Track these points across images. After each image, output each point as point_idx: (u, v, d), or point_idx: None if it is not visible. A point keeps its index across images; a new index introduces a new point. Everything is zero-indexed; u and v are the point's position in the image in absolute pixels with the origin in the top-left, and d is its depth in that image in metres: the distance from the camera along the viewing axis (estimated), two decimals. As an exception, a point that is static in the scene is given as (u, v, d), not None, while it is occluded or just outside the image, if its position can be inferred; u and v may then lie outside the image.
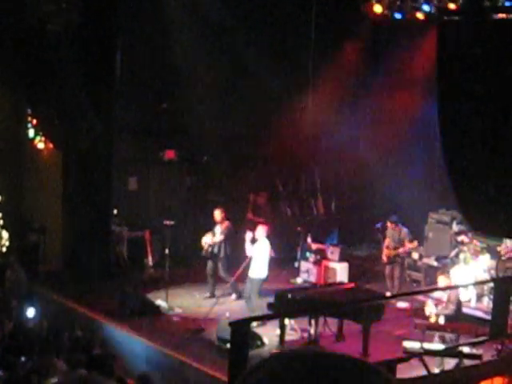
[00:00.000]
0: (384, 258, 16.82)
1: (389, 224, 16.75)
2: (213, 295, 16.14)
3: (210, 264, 16.25)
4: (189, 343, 14.13)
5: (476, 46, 15.28)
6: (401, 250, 16.56)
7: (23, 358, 11.38)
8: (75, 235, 17.57)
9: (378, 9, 18.14)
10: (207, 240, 16.12)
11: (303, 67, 19.42)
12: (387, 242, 16.73)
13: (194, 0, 18.02)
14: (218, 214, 16.25)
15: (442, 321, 13.20)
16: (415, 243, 16.68)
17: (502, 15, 15.84)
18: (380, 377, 2.35)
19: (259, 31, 18.77)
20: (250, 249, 15.26)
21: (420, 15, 17.87)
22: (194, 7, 17.89)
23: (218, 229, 16.15)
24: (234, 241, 16.43)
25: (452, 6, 16.74)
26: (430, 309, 13.44)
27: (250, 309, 14.95)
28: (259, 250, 15.19)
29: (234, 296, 16.34)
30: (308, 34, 19.32)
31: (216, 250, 16.13)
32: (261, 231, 15.39)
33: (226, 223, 16.19)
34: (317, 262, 17.67)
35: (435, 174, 18.73)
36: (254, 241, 15.34)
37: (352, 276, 17.24)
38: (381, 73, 19.69)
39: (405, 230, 16.65)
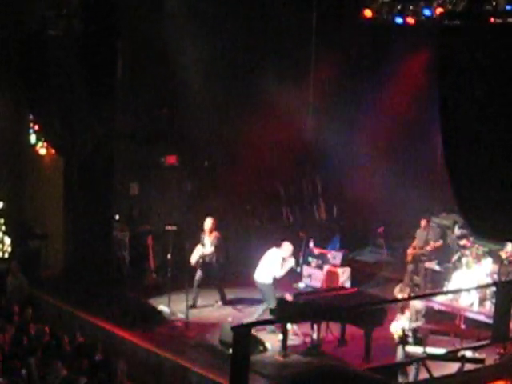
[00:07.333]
0: (409, 258, 16.80)
1: (422, 222, 16.69)
2: (194, 305, 15.97)
3: (199, 273, 16.15)
4: (191, 348, 14.12)
5: (477, 50, 15.25)
6: (428, 247, 16.56)
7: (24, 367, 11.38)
8: (77, 241, 17.54)
9: (375, 13, 18.16)
10: (198, 253, 16.04)
11: (305, 74, 19.42)
12: (415, 242, 16.71)
13: (194, 5, 18.04)
14: (209, 223, 16.16)
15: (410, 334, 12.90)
16: (441, 242, 16.68)
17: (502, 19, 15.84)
18: None
19: (260, 38, 18.78)
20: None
21: (421, 19, 17.86)
22: (194, 12, 17.90)
23: (207, 239, 16.09)
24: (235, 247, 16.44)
25: (453, 10, 16.74)
26: (399, 325, 12.90)
27: None
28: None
29: (220, 302, 16.33)
30: (309, 42, 19.34)
31: (208, 260, 16.10)
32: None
33: (215, 233, 16.16)
34: (319, 267, 17.65)
35: (437, 178, 18.69)
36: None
37: (354, 280, 17.22)
38: (381, 78, 19.67)
39: (434, 231, 16.65)
